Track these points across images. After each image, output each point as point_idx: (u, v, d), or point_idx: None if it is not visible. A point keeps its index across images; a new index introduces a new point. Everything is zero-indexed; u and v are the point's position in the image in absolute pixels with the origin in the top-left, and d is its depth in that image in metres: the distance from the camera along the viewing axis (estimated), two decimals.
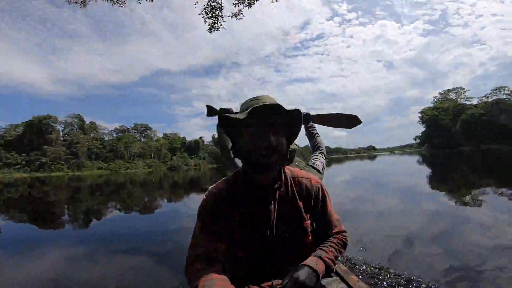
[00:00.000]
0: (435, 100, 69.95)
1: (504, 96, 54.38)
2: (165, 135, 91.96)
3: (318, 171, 1.58)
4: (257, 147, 0.97)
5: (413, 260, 4.28)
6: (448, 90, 68.11)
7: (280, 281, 0.97)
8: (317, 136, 1.98)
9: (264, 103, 0.96)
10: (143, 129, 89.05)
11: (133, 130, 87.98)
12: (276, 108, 0.97)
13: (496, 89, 55.36)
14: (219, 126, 1.51)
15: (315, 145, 1.94)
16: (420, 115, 67.16)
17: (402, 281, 3.57)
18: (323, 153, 1.84)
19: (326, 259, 1.02)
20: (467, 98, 63.91)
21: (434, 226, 5.99)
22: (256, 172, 1.03)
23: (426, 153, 52.42)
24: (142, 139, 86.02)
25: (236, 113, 1.11)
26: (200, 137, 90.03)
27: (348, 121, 2.03)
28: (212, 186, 1.12)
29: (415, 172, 21.12)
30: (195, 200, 14.98)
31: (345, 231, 1.18)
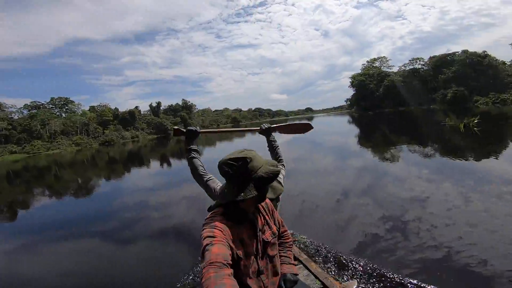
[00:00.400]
0: (363, 67, 76.94)
1: (419, 66, 63.16)
2: (92, 108, 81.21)
3: (280, 183, 1.69)
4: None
5: (348, 211, 5.04)
6: (374, 59, 75.82)
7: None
8: (278, 149, 2.07)
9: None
10: (62, 103, 76.58)
11: (50, 105, 75.23)
12: None
13: (413, 60, 64.64)
14: (190, 151, 1.84)
15: (276, 158, 2.02)
16: (350, 80, 73.45)
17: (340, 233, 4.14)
18: (283, 165, 1.94)
19: (293, 262, 1.50)
20: (389, 66, 72.52)
21: (362, 181, 6.70)
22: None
23: (355, 114, 58.76)
24: (63, 115, 74.51)
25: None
26: (136, 107, 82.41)
27: (303, 127, 2.37)
28: (211, 215, 1.29)
29: (346, 132, 23.59)
30: (138, 174, 14.16)
31: (287, 230, 1.57)
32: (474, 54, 52.10)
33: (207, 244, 1.11)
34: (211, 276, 0.94)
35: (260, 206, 1.42)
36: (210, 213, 1.31)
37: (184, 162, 2.99)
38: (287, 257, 1.50)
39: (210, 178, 1.65)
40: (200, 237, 1.20)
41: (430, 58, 61.20)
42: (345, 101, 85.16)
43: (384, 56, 75.62)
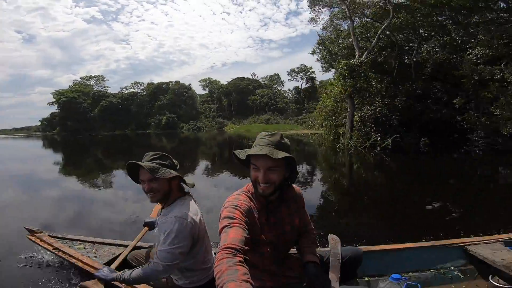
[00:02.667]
0: (74, 83, 66.67)
1: (139, 90, 64.79)
2: None
3: None
4: (257, 182, 1.27)
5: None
6: (90, 76, 68.02)
7: (291, 272, 1.42)
8: None
9: (258, 152, 1.20)
10: None
11: None
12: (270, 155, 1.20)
13: (135, 83, 65.13)
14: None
15: None
16: (54, 96, 59.40)
17: None
18: None
19: (316, 253, 1.47)
20: (105, 86, 68.13)
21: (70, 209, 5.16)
22: (259, 195, 1.32)
23: (58, 137, 47.19)
24: None
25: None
26: None
27: None
28: (239, 191, 1.36)
29: (47, 157, 16.04)
30: None
31: (313, 228, 1.56)
32: (183, 85, 61.98)
33: (225, 226, 1.12)
34: (223, 262, 0.93)
35: (290, 197, 1.43)
36: (237, 191, 1.36)
37: None
38: (310, 247, 1.45)
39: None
40: (220, 213, 1.22)
41: (149, 84, 65.25)
42: (40, 120, 68.10)
43: (101, 76, 70.43)
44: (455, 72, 11.05)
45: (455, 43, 11.84)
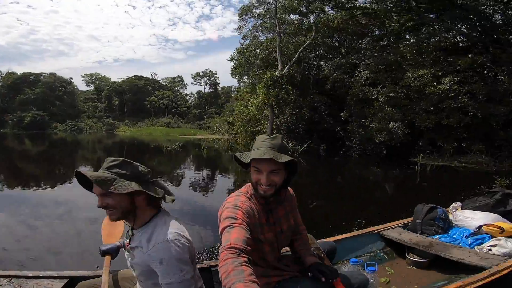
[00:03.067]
0: None
1: None
2: None
3: None
4: (259, 184, 1.31)
5: None
6: None
7: (288, 269, 1.46)
8: None
9: (263, 156, 1.24)
10: None
11: None
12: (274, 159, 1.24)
13: None
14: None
15: None
16: None
17: None
18: None
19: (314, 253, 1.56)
20: None
21: None
22: (260, 197, 1.36)
23: None
24: None
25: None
26: None
27: None
28: (238, 192, 1.39)
29: None
30: None
31: (304, 228, 1.63)
32: (61, 78, 50.67)
33: (227, 226, 1.15)
34: (229, 262, 0.94)
35: (285, 198, 1.48)
36: (236, 192, 1.40)
37: None
38: (307, 250, 1.52)
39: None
40: (220, 214, 1.26)
41: (8, 74, 49.95)
42: None
43: None
44: (348, 91, 13.44)
45: (348, 65, 14.39)
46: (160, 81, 63.42)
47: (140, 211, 1.27)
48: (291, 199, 1.53)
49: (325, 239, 2.15)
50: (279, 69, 14.29)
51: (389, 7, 12.09)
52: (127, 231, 1.36)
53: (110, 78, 61.92)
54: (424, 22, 11.37)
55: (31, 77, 48.98)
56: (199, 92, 58.51)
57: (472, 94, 9.45)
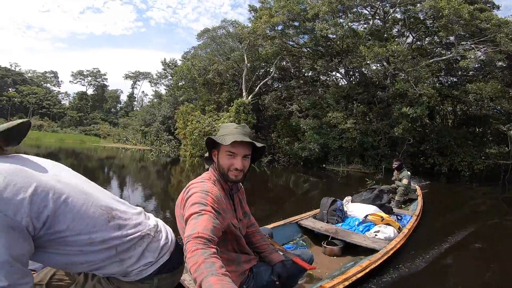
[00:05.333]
0: None
1: None
2: None
3: None
4: (232, 169, 1.32)
5: None
6: None
7: (247, 256, 1.45)
8: None
9: (244, 140, 1.29)
10: None
11: None
12: (251, 143, 1.32)
13: None
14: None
15: None
16: None
17: None
18: None
19: (277, 248, 1.62)
20: None
21: None
22: (228, 181, 1.39)
23: None
24: None
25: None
26: None
27: None
28: (202, 179, 1.34)
29: None
30: None
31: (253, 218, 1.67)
32: None
33: (195, 213, 1.09)
34: (198, 253, 0.91)
35: (236, 185, 1.49)
36: (199, 178, 1.34)
37: None
38: (268, 244, 1.57)
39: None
40: (184, 199, 1.20)
41: None
42: None
43: None
44: (288, 121, 18.74)
45: (282, 97, 19.77)
46: (24, 74, 50.09)
47: None
48: (241, 188, 1.56)
49: (262, 227, 2.14)
50: (244, 96, 17.92)
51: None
52: None
53: None
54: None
55: None
56: (81, 93, 50.51)
57: (358, 130, 16.51)
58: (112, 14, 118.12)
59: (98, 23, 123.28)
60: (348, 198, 4.11)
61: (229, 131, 1.34)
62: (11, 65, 53.00)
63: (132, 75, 54.63)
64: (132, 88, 54.85)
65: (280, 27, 17.47)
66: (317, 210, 3.41)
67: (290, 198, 7.72)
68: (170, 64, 33.46)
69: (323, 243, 2.80)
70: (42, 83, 54.78)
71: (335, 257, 2.72)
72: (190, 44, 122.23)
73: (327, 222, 3.21)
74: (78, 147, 26.72)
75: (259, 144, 1.35)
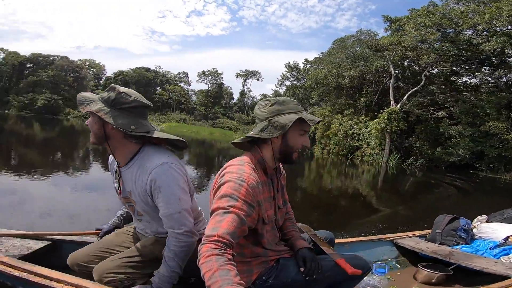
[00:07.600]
0: None
1: None
2: None
3: None
4: (303, 147, 1.22)
5: None
6: None
7: (282, 247, 1.31)
8: None
9: (319, 119, 1.30)
10: None
11: None
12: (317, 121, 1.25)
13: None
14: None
15: None
16: None
17: None
18: None
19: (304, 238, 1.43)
20: None
21: None
22: (286, 163, 1.27)
23: None
24: None
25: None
26: None
27: None
28: (241, 161, 1.17)
29: None
30: None
31: (290, 206, 1.50)
32: (75, 63, 48.15)
33: (222, 208, 1.00)
34: (212, 259, 0.87)
35: (280, 167, 1.35)
36: (238, 159, 1.19)
37: None
38: (297, 231, 1.42)
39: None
40: (218, 184, 1.09)
41: (11, 53, 45.95)
42: None
43: None
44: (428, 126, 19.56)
45: (424, 104, 20.59)
46: (166, 75, 63.28)
47: (116, 141, 1.15)
48: (283, 171, 1.40)
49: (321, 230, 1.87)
50: (392, 105, 19.88)
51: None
52: (114, 172, 1.27)
53: (104, 66, 59.99)
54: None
55: (40, 58, 45.89)
56: (207, 91, 59.95)
57: None
58: (211, 16, 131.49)
59: (201, 25, 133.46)
60: (482, 217, 3.18)
61: (293, 107, 1.20)
62: (156, 67, 62.56)
63: (242, 73, 60.92)
64: (243, 85, 61.42)
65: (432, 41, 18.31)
66: (427, 231, 2.78)
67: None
68: (293, 67, 37.30)
69: (419, 265, 2.19)
70: (177, 82, 64.09)
71: (431, 283, 2.07)
72: (280, 41, 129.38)
73: (440, 244, 2.55)
74: (223, 139, 32.44)
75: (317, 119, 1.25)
